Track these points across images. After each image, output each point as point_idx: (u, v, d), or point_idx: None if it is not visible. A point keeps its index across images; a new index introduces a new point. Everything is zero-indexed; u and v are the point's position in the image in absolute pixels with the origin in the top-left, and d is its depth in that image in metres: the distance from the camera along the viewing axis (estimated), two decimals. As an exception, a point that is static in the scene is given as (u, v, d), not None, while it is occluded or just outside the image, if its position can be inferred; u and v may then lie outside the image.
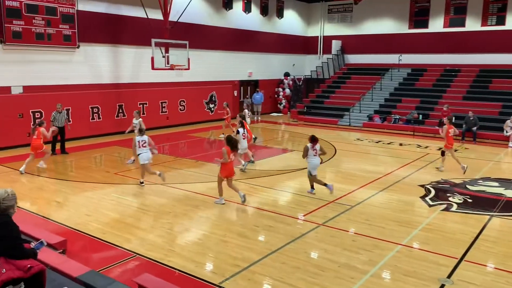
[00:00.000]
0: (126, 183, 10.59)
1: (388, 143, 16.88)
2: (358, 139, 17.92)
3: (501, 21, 22.17)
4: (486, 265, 6.42)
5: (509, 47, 21.67)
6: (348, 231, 7.66)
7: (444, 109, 19.17)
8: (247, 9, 23.83)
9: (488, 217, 8.48)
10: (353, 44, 26.82)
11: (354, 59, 27.02)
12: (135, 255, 6.50)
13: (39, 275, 4.15)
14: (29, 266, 4.03)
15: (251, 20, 24.21)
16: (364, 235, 7.42)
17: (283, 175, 11.58)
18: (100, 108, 16.74)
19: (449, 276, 5.97)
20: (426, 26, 24.36)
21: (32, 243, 4.39)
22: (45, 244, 4.48)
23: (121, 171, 11.73)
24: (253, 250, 6.74)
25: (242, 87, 24.57)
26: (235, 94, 23.88)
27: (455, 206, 9.10)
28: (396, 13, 25.17)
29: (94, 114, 16.57)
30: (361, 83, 24.63)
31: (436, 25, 24.00)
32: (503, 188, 10.48)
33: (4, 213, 4.06)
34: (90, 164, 12.89)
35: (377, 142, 17.07)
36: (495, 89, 20.64)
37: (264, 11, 25.06)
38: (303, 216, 8.38)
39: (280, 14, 26.31)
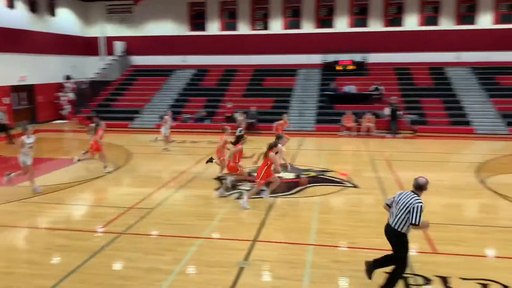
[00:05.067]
0: None
1: (181, 142, 17.35)
2: (152, 140, 17.83)
3: (265, 25, 25.38)
4: (275, 242, 7.27)
5: (275, 48, 24.96)
6: (150, 235, 7.57)
7: (228, 106, 20.84)
8: (11, 4, 20.89)
9: (273, 198, 9.60)
10: (137, 45, 26.51)
11: (140, 60, 26.76)
12: None
13: None
14: None
15: (18, 17, 21.36)
16: (167, 236, 7.47)
17: (74, 188, 10.64)
18: None
19: (246, 259, 6.54)
20: (203, 29, 25.94)
21: None
22: None
23: None
24: (46, 276, 6.01)
25: (16, 93, 21.48)
26: (8, 101, 20.73)
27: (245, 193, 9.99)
28: (176, 15, 26.00)
29: None
30: (149, 84, 24.63)
31: (213, 28, 25.81)
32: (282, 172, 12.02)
33: None
34: None
35: (170, 142, 17.33)
36: (268, 86, 23.52)
37: (33, 8, 22.39)
38: (102, 227, 7.89)
39: (51, 12, 23.92)
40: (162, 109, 22.27)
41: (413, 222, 5.08)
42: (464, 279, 5.83)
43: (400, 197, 5.34)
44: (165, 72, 25.44)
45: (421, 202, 5.14)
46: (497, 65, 22.70)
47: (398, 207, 5.29)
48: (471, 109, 20.06)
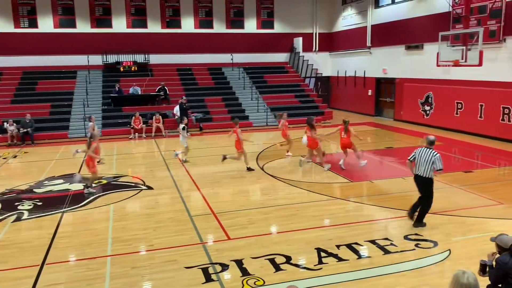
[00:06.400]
0: None
1: None
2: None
3: (32, 23, 22.67)
4: (68, 261, 6.62)
5: (47, 48, 22.58)
6: None
7: (-6, 115, 17.88)
8: None
9: (60, 214, 8.72)
10: None
11: None
12: None
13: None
14: None
15: None
16: None
17: None
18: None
19: (34, 287, 5.76)
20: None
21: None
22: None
23: None
24: None
25: None
26: None
27: (26, 213, 8.79)
28: None
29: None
30: None
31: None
32: (68, 183, 11.04)
33: None
34: None
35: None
36: (42, 90, 21.14)
37: None
38: None
39: None
40: None
41: (440, 168, 7.12)
42: (254, 258, 6.47)
43: (421, 154, 7.27)
44: None
45: (438, 153, 7.16)
46: (264, 65, 25.87)
47: (423, 162, 7.20)
48: (247, 105, 22.33)
